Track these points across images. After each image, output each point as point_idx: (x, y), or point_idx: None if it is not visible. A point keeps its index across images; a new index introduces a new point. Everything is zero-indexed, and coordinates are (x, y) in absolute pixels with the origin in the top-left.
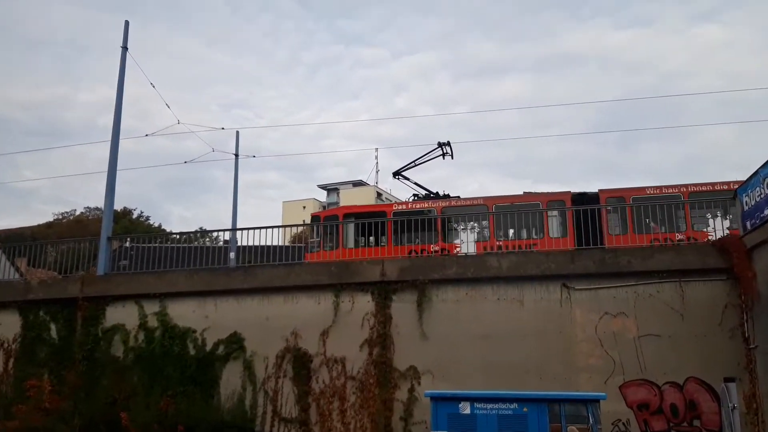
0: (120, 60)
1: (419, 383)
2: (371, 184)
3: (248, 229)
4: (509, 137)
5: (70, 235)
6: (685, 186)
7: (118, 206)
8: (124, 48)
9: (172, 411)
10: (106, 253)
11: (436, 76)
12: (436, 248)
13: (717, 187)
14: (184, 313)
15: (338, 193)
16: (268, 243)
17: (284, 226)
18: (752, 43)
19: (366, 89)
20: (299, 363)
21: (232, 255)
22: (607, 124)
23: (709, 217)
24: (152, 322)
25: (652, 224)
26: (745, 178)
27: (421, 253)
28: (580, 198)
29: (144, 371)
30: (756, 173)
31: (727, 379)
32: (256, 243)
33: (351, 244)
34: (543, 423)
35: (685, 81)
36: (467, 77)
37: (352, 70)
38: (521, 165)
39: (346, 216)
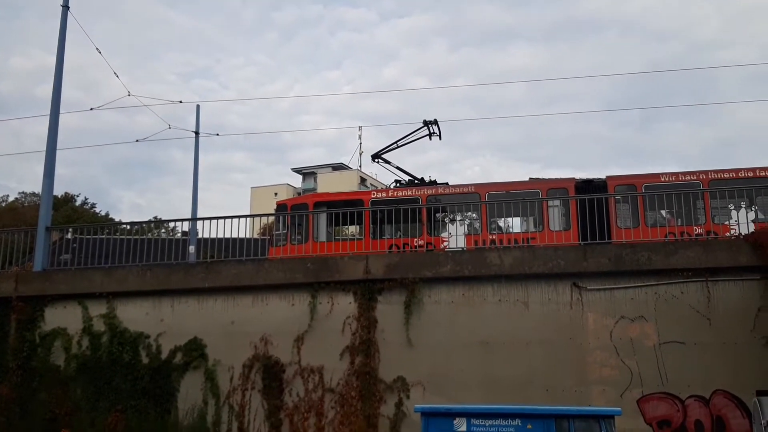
0: (60, 21)
1: (408, 396)
2: (354, 167)
3: (210, 218)
4: (515, 115)
5: (1, 225)
6: (705, 173)
7: (58, 191)
8: (65, 7)
9: (122, 428)
10: (45, 245)
11: (431, 43)
12: (421, 242)
13: (741, 174)
14: (135, 315)
15: (315, 178)
16: (234, 235)
17: (252, 216)
18: None
19: (349, 57)
20: (270, 373)
21: (191, 249)
22: (627, 101)
23: (732, 208)
24: (98, 325)
25: (667, 216)
26: None
27: (404, 247)
28: (586, 186)
29: (89, 383)
30: None
31: (759, 393)
32: (220, 235)
33: (323, 237)
34: None
35: (717, 52)
36: (467, 45)
37: (333, 35)
38: (529, 147)
39: (317, 205)
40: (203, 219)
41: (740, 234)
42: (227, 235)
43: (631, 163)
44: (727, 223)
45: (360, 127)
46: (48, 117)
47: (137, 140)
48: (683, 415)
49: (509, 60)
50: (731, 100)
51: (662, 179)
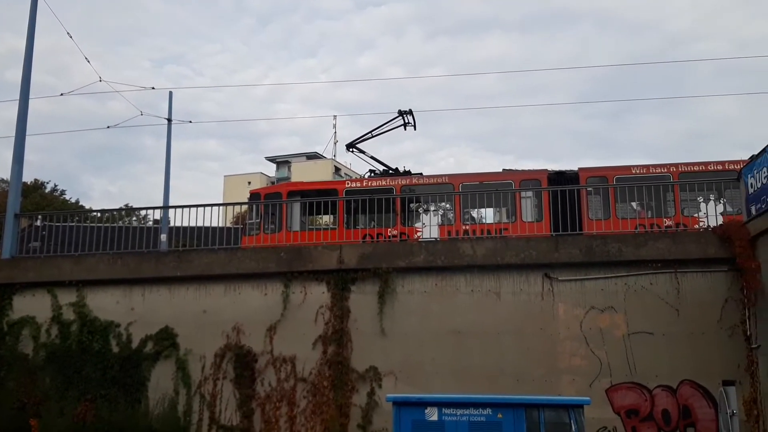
0: (30, 4)
1: (380, 386)
2: (328, 157)
3: (182, 207)
4: (490, 105)
5: None
6: (675, 165)
7: (27, 178)
8: None
9: (92, 418)
10: (14, 233)
11: (407, 31)
12: (394, 232)
13: (710, 167)
14: (105, 304)
15: (290, 167)
16: (207, 224)
17: (225, 204)
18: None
19: (325, 46)
20: (241, 363)
21: (163, 237)
22: (600, 93)
23: (701, 200)
24: (68, 314)
25: (637, 208)
26: (748, 157)
27: (377, 237)
28: (558, 177)
29: (58, 372)
30: (764, 151)
31: (725, 383)
32: (192, 223)
33: (296, 226)
34: (520, 430)
35: (691, 45)
36: (443, 34)
37: (309, 23)
38: (503, 138)
39: (291, 194)
40: (175, 207)
41: (709, 226)
42: (200, 224)
43: (603, 155)
44: (696, 215)
45: (335, 116)
46: (18, 102)
47: (108, 126)
48: (651, 405)
49: (485, 50)
50: (704, 93)
51: (633, 171)
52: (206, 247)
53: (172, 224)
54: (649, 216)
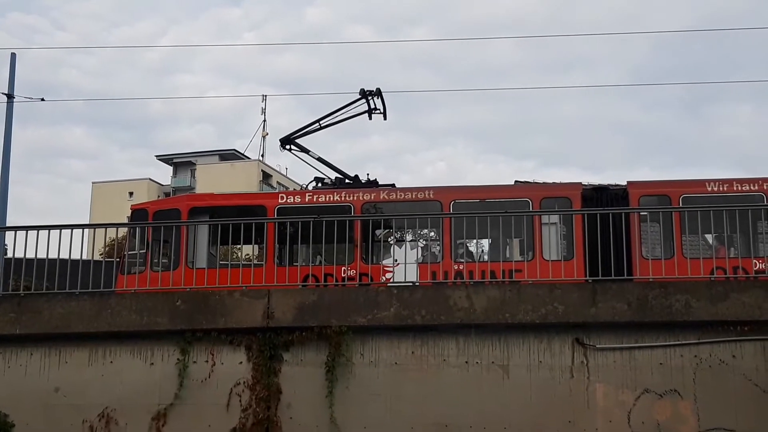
0: None
1: None
2: (253, 157)
3: (27, 228)
4: (502, 87)
5: None
6: None
7: None
8: None
9: None
10: None
11: None
12: (352, 272)
13: None
14: None
15: (194, 172)
16: (63, 255)
17: (92, 227)
18: None
19: None
20: None
21: None
22: (670, 71)
23: None
24: None
25: (715, 243)
26: None
27: (325, 280)
28: (597, 195)
29: None
30: None
31: None
32: (41, 255)
33: (203, 261)
34: None
35: None
36: None
37: None
38: (520, 135)
39: (194, 212)
40: (15, 229)
41: None
42: (53, 256)
43: (668, 164)
44: None
45: (264, 97)
46: None
47: None
48: None
49: (493, 3)
50: None
51: (709, 189)
52: (62, 290)
53: (9, 255)
54: (732, 255)
